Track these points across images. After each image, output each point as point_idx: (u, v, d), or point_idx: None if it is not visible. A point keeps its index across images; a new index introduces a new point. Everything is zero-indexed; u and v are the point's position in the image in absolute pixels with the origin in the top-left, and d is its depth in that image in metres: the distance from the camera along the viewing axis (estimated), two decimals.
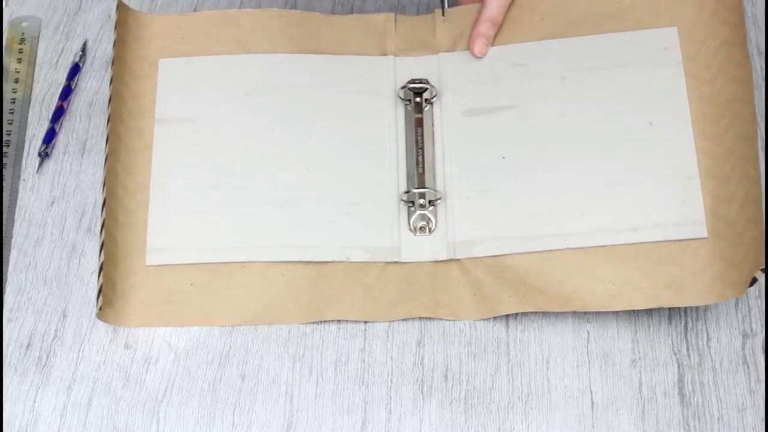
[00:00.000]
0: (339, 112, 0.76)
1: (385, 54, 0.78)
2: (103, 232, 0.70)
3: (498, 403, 0.67)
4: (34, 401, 0.67)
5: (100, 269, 0.69)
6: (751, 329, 0.69)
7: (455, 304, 0.69)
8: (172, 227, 0.72)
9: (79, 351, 0.69)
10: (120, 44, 0.77)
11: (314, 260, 0.71)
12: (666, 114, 0.72)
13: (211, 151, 0.74)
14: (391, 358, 0.69)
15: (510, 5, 0.77)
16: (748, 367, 0.68)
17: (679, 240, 0.69)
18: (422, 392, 0.67)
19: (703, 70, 0.73)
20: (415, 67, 0.77)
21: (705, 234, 0.68)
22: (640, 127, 0.72)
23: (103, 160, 0.75)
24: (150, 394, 0.67)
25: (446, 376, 0.68)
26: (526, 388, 0.67)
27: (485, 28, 0.76)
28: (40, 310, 0.70)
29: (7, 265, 0.72)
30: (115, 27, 0.77)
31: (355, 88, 0.77)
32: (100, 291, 0.68)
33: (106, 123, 0.75)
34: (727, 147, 0.70)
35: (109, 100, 0.75)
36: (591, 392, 0.67)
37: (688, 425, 0.66)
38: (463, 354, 0.69)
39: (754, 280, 0.65)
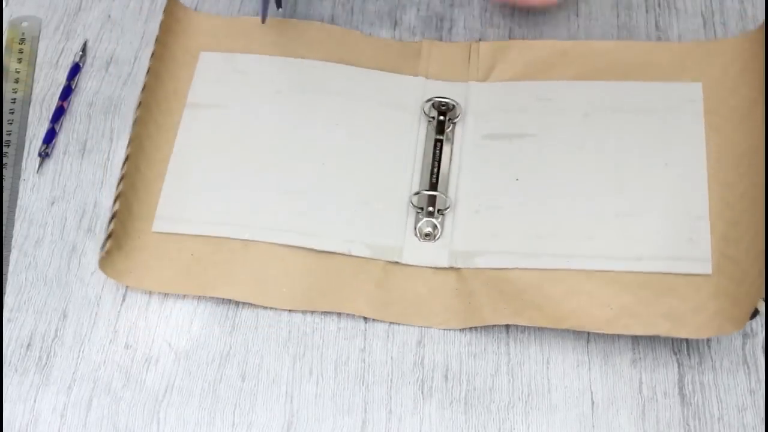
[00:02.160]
0: (363, 119, 0.78)
1: (416, 75, 0.80)
2: (120, 185, 0.72)
3: (498, 403, 0.67)
4: (34, 401, 0.67)
5: (112, 217, 0.70)
6: (751, 329, 0.69)
7: (449, 313, 0.69)
8: (184, 200, 0.74)
9: (79, 351, 0.69)
10: (165, 32, 0.80)
11: (316, 248, 0.71)
12: (682, 157, 0.74)
13: (233, 137, 0.77)
14: (392, 358, 0.69)
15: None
16: (748, 367, 0.68)
17: (683, 274, 0.69)
18: (422, 392, 0.67)
19: (724, 123, 0.75)
20: (444, 89, 0.79)
21: (709, 271, 0.69)
22: (655, 167, 0.74)
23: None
24: (150, 394, 0.67)
25: (446, 376, 0.68)
26: (526, 388, 0.67)
27: None
28: (40, 310, 0.70)
29: (7, 265, 0.72)
30: (163, 13, 0.81)
31: (383, 101, 0.79)
32: (108, 238, 0.69)
33: (140, 90, 0.77)
34: (740, 193, 0.72)
35: (147, 73, 0.78)
36: (591, 392, 0.67)
37: (688, 425, 0.66)
38: (464, 354, 0.69)
39: (755, 312, 0.65)
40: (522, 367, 0.68)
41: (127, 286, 0.71)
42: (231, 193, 0.74)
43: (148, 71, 0.78)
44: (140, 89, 0.78)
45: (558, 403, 0.67)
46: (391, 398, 0.67)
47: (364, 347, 0.69)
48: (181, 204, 0.74)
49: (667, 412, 0.66)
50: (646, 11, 0.87)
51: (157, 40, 0.80)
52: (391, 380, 0.68)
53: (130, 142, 0.74)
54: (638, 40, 0.83)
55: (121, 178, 0.73)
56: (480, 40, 0.83)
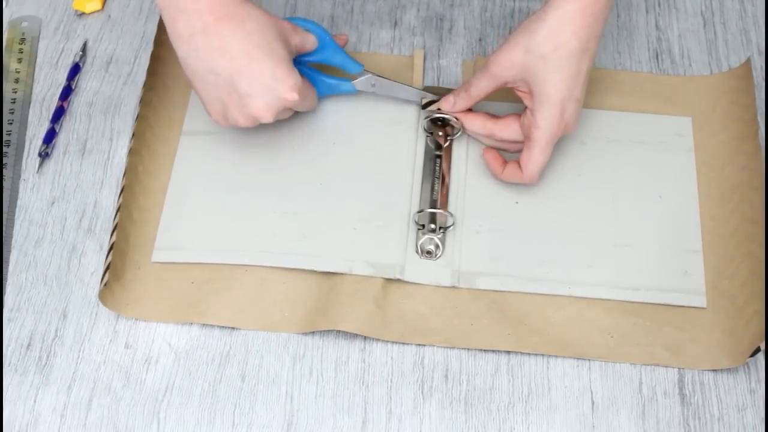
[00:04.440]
0: (359, 136, 0.78)
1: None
2: (117, 217, 0.71)
3: (498, 403, 0.67)
4: (34, 401, 0.67)
5: (110, 249, 0.69)
6: None
7: (449, 332, 0.69)
8: (182, 229, 0.73)
9: (79, 351, 0.68)
10: (156, 62, 0.79)
11: (316, 269, 0.71)
12: (675, 191, 0.75)
13: (230, 161, 0.76)
14: (391, 358, 0.68)
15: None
16: (748, 367, 0.68)
17: (679, 306, 0.70)
18: (422, 392, 0.67)
19: (713, 158, 0.77)
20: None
21: (704, 305, 0.70)
22: (650, 198, 0.75)
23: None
24: (150, 394, 0.67)
25: (446, 376, 0.68)
26: (526, 388, 0.67)
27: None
28: (40, 310, 0.70)
29: (7, 265, 0.72)
30: (153, 43, 0.79)
31: (379, 116, 0.79)
32: (106, 270, 0.69)
33: (134, 118, 0.77)
34: (732, 228, 0.73)
35: (139, 103, 0.77)
36: (591, 392, 0.67)
37: (688, 425, 0.66)
38: (463, 354, 0.69)
39: (757, 350, 0.65)
40: (522, 367, 0.68)
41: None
42: (229, 219, 0.73)
43: (141, 100, 0.77)
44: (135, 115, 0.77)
45: (558, 403, 0.67)
46: (391, 398, 0.67)
47: (364, 347, 0.69)
48: (179, 233, 0.73)
49: (667, 412, 0.66)
50: (646, 11, 0.87)
51: (148, 70, 0.79)
52: (391, 380, 0.68)
53: (125, 173, 0.74)
54: (634, 58, 0.84)
55: (118, 209, 0.72)
56: (475, 56, 0.83)
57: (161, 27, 0.81)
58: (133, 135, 0.75)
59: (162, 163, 0.76)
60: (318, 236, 0.72)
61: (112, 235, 0.71)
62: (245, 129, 0.76)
